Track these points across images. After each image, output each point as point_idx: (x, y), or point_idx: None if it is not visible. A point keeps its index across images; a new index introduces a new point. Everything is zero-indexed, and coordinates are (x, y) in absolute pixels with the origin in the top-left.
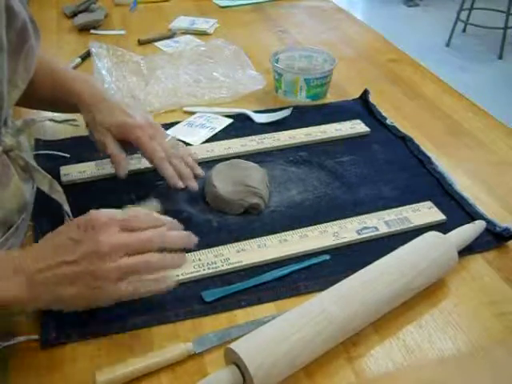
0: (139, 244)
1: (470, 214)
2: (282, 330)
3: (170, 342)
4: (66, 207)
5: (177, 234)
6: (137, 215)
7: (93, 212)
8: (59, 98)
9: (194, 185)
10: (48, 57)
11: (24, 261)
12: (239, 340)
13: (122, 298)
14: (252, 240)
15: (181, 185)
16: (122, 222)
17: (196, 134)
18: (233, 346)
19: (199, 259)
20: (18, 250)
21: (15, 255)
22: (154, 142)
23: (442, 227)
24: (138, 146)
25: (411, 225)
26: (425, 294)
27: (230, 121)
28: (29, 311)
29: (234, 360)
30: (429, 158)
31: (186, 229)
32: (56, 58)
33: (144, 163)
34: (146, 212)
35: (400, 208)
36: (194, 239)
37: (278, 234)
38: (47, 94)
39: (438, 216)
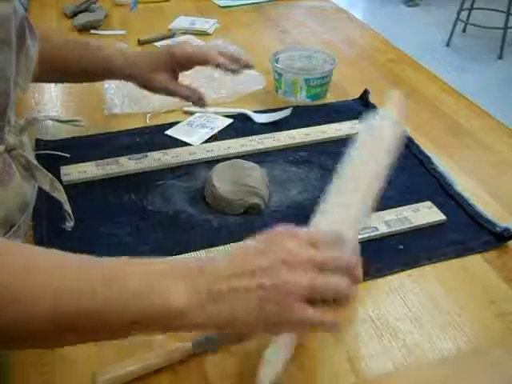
0: (330, 262)
1: (470, 214)
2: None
3: (170, 342)
4: (67, 207)
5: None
6: (321, 232)
7: (276, 227)
8: (89, 67)
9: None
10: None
11: (197, 269)
12: None
13: (308, 324)
14: None
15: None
16: (308, 235)
17: (196, 134)
18: None
19: None
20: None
21: (188, 262)
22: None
23: (442, 227)
24: (192, 58)
25: (411, 225)
26: (425, 294)
27: (230, 121)
28: (187, 330)
29: None
30: (429, 157)
31: (186, 229)
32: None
33: (144, 164)
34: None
35: (400, 208)
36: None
37: None
38: (74, 65)
39: (437, 216)
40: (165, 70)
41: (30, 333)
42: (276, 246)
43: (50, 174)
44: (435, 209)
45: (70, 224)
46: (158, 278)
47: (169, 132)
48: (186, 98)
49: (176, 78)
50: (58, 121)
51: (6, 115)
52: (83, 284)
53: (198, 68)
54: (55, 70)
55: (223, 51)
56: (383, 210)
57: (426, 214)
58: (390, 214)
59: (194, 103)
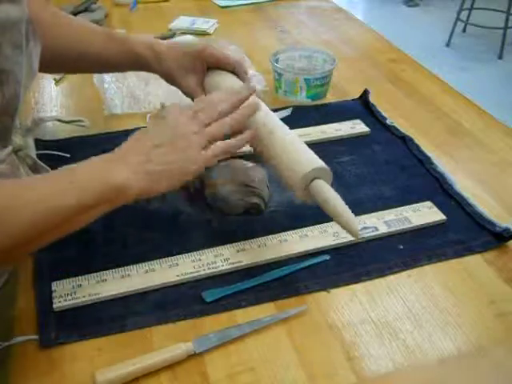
0: (211, 105)
1: (470, 214)
2: None
3: (170, 342)
4: None
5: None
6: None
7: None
8: (113, 60)
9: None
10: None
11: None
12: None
13: (207, 163)
14: (252, 240)
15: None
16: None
17: None
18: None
19: (199, 259)
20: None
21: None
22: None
23: (442, 227)
24: (220, 62)
25: (411, 225)
26: (425, 294)
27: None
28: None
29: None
30: (429, 158)
31: (186, 229)
32: None
33: None
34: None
35: (400, 208)
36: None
37: (278, 234)
38: (92, 56)
39: (437, 216)
40: (194, 73)
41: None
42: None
43: None
44: (435, 209)
45: None
46: (101, 170)
47: None
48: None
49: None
50: (62, 121)
51: (15, 117)
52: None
53: None
54: (68, 60)
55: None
56: (383, 210)
57: (426, 213)
58: (390, 214)
59: None
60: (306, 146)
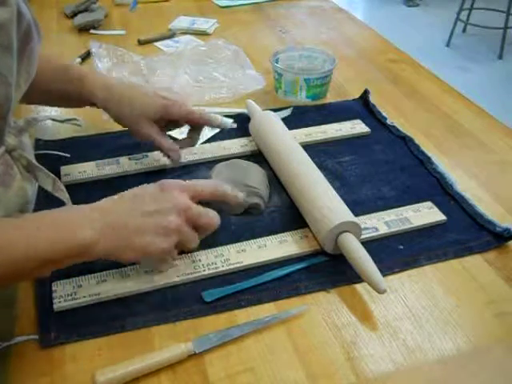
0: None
1: (470, 214)
2: None
3: (170, 342)
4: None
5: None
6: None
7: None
8: (73, 95)
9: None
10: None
11: (101, 209)
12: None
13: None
14: (252, 240)
15: (232, 124)
16: (192, 192)
17: None
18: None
19: (199, 259)
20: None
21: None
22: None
23: (442, 227)
24: (188, 120)
25: (411, 225)
26: (425, 294)
27: (229, 121)
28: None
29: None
30: (429, 157)
31: None
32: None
33: (144, 164)
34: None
35: (400, 208)
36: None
37: (278, 234)
38: (59, 89)
39: (438, 216)
40: (155, 123)
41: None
42: (165, 195)
43: (51, 174)
44: (435, 209)
45: None
46: (67, 225)
47: (169, 132)
48: (166, 153)
49: (163, 130)
50: (55, 120)
51: (8, 118)
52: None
53: (197, 68)
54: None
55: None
56: (383, 210)
57: (426, 214)
58: (391, 215)
59: (171, 161)
60: (337, 196)
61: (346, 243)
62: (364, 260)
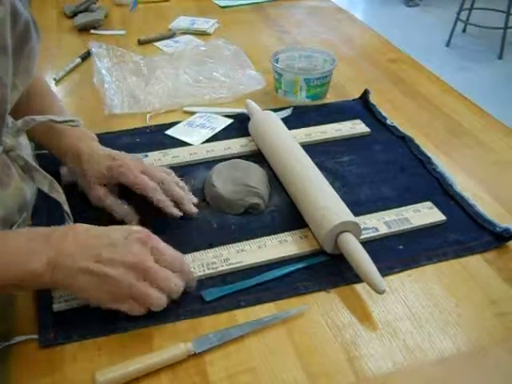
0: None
1: (470, 214)
2: None
3: (170, 342)
4: (66, 207)
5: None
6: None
7: (134, 227)
8: (49, 148)
9: (193, 211)
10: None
11: (57, 242)
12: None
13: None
14: (252, 240)
15: (177, 213)
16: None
17: (196, 134)
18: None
19: (199, 259)
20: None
21: (52, 234)
22: (143, 176)
23: (442, 227)
24: (130, 185)
25: (411, 225)
26: (425, 294)
27: (230, 121)
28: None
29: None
30: (429, 158)
31: (186, 229)
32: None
33: None
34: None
35: (400, 208)
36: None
37: (278, 234)
38: (39, 139)
39: (438, 216)
40: (103, 185)
41: None
42: (127, 245)
43: (48, 175)
44: (435, 209)
45: (69, 224)
46: (21, 254)
47: (169, 132)
48: (120, 218)
49: (116, 192)
50: (54, 121)
51: (5, 118)
52: None
53: (197, 68)
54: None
55: (171, 186)
56: (383, 210)
57: (426, 214)
58: (390, 215)
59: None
60: (337, 196)
61: (345, 243)
62: (363, 260)
